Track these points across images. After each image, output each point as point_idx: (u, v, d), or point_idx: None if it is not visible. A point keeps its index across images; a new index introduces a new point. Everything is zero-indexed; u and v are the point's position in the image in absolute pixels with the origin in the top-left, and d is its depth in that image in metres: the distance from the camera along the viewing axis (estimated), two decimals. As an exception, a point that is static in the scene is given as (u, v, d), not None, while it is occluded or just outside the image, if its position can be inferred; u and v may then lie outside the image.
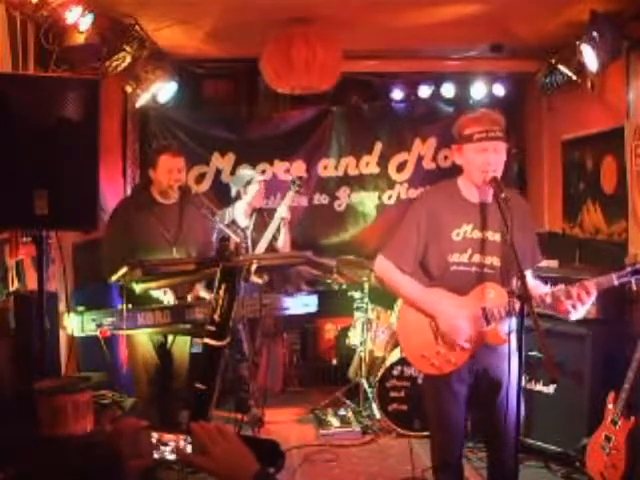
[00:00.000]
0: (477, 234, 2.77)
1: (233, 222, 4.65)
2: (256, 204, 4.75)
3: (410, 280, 2.82)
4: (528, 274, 2.81)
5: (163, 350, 3.84)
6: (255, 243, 4.66)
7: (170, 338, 3.81)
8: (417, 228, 2.81)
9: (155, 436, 1.40)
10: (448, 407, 2.88)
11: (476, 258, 2.77)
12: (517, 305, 2.48)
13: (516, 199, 2.85)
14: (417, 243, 2.81)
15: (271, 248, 4.67)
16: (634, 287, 2.66)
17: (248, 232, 4.67)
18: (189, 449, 1.37)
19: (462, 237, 2.77)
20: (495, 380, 2.82)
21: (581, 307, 2.64)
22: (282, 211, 4.64)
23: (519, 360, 2.48)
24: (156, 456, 1.39)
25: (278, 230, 4.67)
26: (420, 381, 4.12)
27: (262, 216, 4.76)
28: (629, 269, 2.65)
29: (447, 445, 2.98)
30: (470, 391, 2.90)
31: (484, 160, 2.69)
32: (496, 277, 2.76)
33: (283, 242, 4.68)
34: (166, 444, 1.39)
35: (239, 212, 4.74)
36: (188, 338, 3.90)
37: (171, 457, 1.39)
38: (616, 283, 2.65)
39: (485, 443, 3.15)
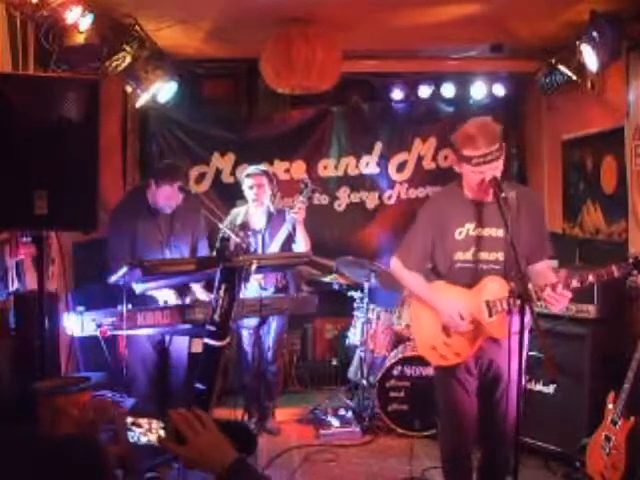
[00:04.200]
0: (480, 232, 2.88)
1: (244, 225, 4.44)
2: (259, 202, 4.53)
3: (416, 276, 3.01)
4: (543, 263, 2.92)
5: (161, 348, 3.87)
6: (269, 246, 4.48)
7: (167, 336, 3.84)
8: (424, 229, 3.00)
9: (130, 419, 1.43)
10: (457, 397, 2.98)
11: (480, 255, 2.87)
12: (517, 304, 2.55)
13: (528, 194, 2.98)
14: (424, 243, 2.99)
15: (287, 251, 4.46)
16: (638, 280, 2.67)
17: (259, 235, 4.48)
18: (161, 433, 1.41)
19: (465, 235, 2.89)
20: (497, 375, 2.92)
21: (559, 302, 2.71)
22: (293, 215, 4.44)
23: (519, 359, 2.54)
24: (130, 439, 1.42)
25: (294, 234, 4.47)
26: (424, 378, 4.35)
27: (282, 217, 4.53)
28: (631, 261, 2.66)
29: (457, 437, 3.04)
30: (479, 384, 2.99)
31: (481, 178, 2.78)
32: (501, 271, 2.85)
33: (299, 245, 4.47)
34: (139, 426, 1.42)
35: (252, 213, 4.60)
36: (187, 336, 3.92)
37: (144, 440, 1.42)
38: (616, 275, 2.67)
39: (480, 436, 3.14)
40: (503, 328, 2.76)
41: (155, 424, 1.41)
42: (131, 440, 1.42)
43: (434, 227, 2.96)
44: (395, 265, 3.08)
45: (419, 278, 3.01)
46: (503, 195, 2.66)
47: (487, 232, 2.87)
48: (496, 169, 2.77)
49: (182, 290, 3.96)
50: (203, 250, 4.17)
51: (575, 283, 2.69)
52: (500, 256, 2.85)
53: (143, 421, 1.42)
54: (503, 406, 2.82)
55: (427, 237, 2.97)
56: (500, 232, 2.84)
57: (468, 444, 3.06)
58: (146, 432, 1.41)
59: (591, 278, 2.68)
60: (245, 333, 4.54)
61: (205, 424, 1.37)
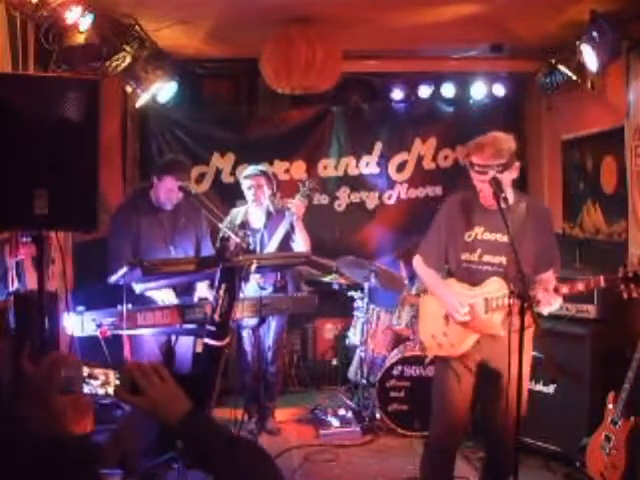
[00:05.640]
0: (487, 236, 3.06)
1: (243, 224, 4.45)
2: (257, 202, 4.54)
3: (432, 273, 3.25)
4: (549, 273, 3.05)
5: (167, 348, 3.87)
6: (267, 245, 4.45)
7: (174, 336, 3.84)
8: (439, 230, 3.23)
9: (86, 370, 1.43)
10: (449, 387, 3.10)
11: (486, 258, 3.05)
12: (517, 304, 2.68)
13: (537, 207, 3.19)
14: (439, 243, 3.22)
15: (286, 249, 4.44)
16: (624, 295, 2.71)
17: (258, 235, 4.45)
18: (117, 383, 1.42)
19: (473, 238, 3.08)
20: (497, 373, 3.01)
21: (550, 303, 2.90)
22: (290, 213, 4.42)
23: (520, 358, 2.63)
24: (86, 390, 1.42)
25: (293, 231, 4.45)
26: (424, 378, 4.41)
27: (282, 216, 4.49)
28: (620, 275, 2.74)
29: (443, 424, 3.15)
30: (476, 382, 3.09)
31: (481, 185, 3.00)
32: (503, 274, 2.99)
33: (299, 243, 4.44)
34: (96, 378, 1.42)
35: (252, 212, 4.61)
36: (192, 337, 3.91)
37: (101, 391, 1.43)
38: (603, 285, 2.82)
39: (483, 435, 3.31)
40: (496, 325, 2.97)
41: (112, 375, 1.42)
42: (87, 392, 1.43)
43: (447, 229, 3.18)
44: (417, 262, 3.33)
45: (435, 275, 3.23)
46: (503, 195, 2.83)
47: (493, 237, 3.06)
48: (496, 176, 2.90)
49: (188, 288, 3.96)
50: (207, 250, 4.16)
51: (565, 290, 2.86)
52: (504, 260, 3.01)
53: (99, 372, 1.42)
54: (503, 404, 2.88)
55: (441, 239, 3.20)
56: (506, 238, 2.96)
57: (454, 433, 3.17)
58: (104, 384, 1.42)
59: (580, 287, 2.86)
60: (245, 333, 4.54)
61: (163, 377, 1.40)
